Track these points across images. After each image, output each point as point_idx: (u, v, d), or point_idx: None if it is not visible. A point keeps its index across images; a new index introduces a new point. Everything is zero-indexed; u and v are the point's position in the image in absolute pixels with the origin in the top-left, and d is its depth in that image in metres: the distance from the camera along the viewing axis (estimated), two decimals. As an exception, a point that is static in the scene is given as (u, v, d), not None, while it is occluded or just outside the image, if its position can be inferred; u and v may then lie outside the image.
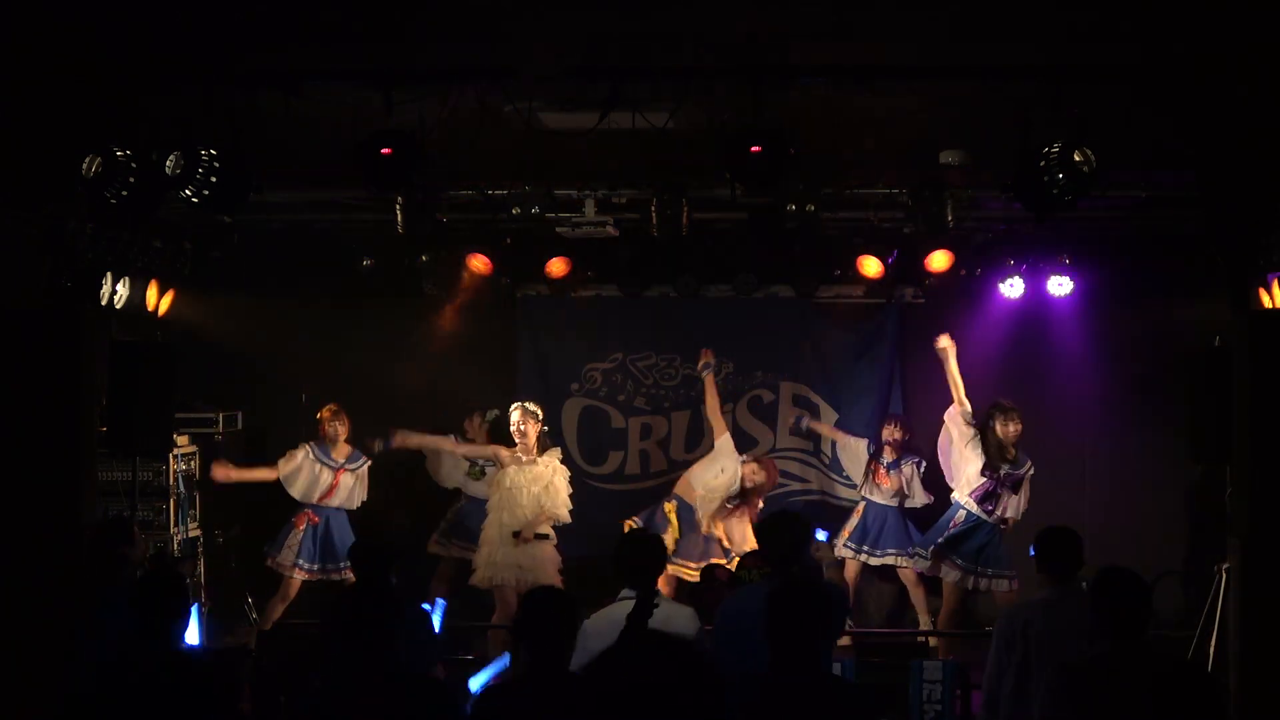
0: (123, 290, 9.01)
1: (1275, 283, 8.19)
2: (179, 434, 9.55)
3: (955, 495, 9.58)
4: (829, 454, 10.83)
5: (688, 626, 5.54)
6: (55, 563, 7.21)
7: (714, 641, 5.67)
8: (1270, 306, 8.24)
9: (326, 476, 9.57)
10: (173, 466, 9.48)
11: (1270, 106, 6.37)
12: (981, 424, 9.44)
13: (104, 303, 8.72)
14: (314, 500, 9.54)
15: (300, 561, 9.50)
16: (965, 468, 9.49)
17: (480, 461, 9.95)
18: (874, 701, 4.71)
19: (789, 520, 6.04)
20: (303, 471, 9.56)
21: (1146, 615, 4.77)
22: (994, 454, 9.38)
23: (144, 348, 8.86)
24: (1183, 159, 7.45)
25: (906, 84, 6.38)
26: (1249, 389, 7.25)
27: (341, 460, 9.62)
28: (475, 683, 5.06)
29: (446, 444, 9.94)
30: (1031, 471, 9.45)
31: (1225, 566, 8.00)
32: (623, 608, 5.17)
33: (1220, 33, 5.84)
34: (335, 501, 9.59)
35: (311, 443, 9.62)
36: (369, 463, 9.73)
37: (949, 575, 9.46)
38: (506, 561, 9.15)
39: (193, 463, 9.82)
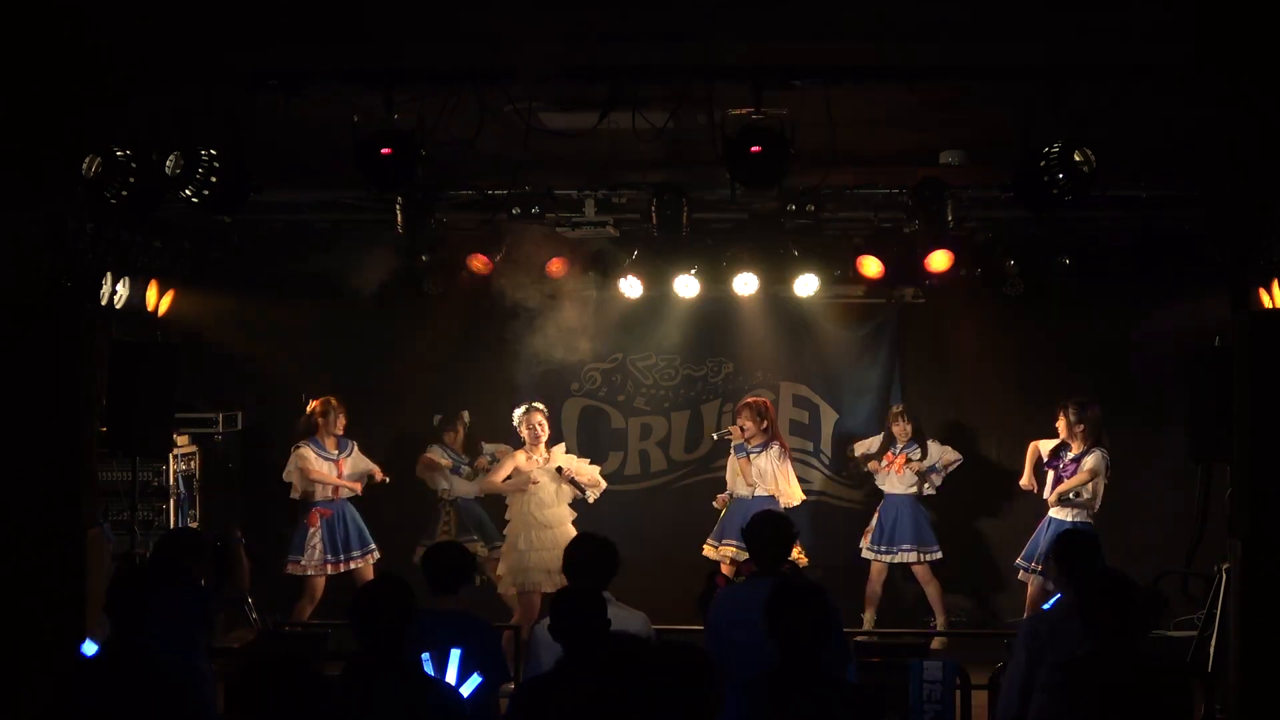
0: (123, 290, 9.02)
1: (1275, 283, 8.20)
2: (179, 434, 9.55)
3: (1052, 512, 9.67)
4: (829, 454, 10.83)
5: (640, 632, 5.51)
6: (55, 563, 7.21)
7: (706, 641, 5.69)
8: (1270, 306, 8.24)
9: (330, 469, 9.71)
10: (173, 466, 9.49)
11: (1270, 106, 6.37)
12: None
13: (104, 303, 8.73)
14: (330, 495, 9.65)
15: (328, 557, 9.60)
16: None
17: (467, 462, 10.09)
18: (874, 702, 4.72)
19: (776, 520, 6.10)
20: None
21: (1135, 615, 4.77)
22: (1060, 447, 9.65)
23: (144, 348, 8.85)
24: (1182, 160, 7.45)
25: (906, 84, 6.38)
26: (1249, 389, 7.24)
27: (335, 452, 9.72)
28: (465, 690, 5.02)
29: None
30: (1092, 452, 9.53)
31: (1225, 566, 7.98)
32: None
33: (1220, 33, 5.84)
34: (344, 492, 9.70)
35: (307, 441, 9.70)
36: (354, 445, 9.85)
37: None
38: (538, 566, 9.11)
39: (193, 463, 9.83)
